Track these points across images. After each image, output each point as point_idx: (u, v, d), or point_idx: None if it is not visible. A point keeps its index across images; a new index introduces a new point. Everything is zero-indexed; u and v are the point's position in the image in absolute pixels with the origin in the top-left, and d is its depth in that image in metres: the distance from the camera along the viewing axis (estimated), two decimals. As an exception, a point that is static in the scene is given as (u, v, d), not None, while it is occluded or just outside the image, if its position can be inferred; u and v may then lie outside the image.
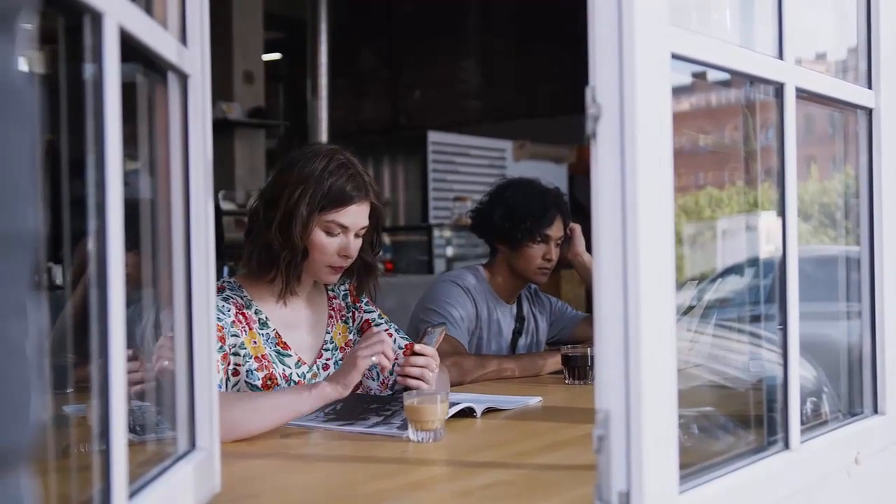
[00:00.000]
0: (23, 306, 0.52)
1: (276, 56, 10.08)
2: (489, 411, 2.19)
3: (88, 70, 1.01)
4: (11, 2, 0.52)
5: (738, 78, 1.59)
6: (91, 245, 1.01)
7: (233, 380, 2.14)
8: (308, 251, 2.22)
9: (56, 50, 1.05)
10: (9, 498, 0.50)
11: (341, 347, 2.38)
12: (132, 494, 1.09)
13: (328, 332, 2.37)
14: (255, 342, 2.20)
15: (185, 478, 1.29)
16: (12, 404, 0.50)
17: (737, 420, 1.69)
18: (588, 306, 5.40)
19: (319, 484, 1.67)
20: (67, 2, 0.95)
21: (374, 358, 2.00)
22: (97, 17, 1.00)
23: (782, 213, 1.53)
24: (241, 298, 2.24)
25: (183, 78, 1.35)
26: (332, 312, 2.40)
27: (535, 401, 2.36)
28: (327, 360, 2.35)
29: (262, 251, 2.22)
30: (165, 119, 1.35)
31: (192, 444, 1.38)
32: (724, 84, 1.69)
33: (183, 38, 1.35)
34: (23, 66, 0.52)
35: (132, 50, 1.11)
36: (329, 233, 2.21)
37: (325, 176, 2.18)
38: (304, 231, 2.18)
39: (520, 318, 3.15)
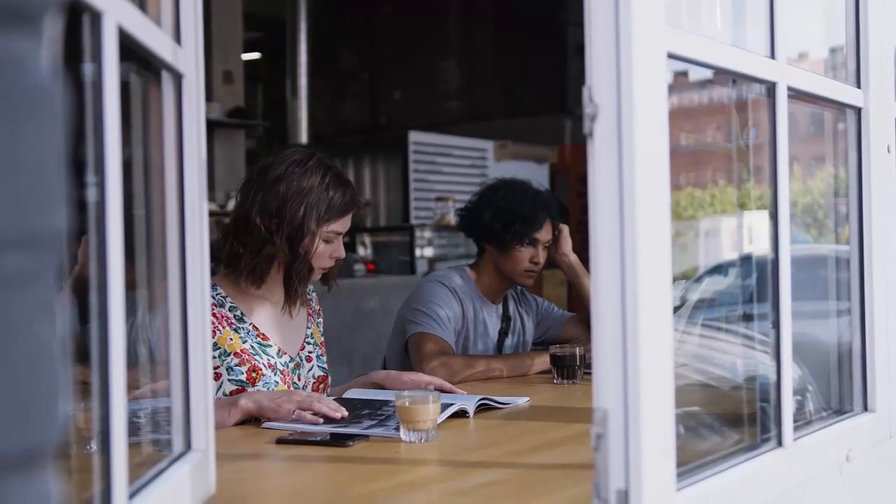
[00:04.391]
0: (51, 306, 0.51)
1: (255, 56, 10.04)
2: (482, 410, 2.19)
3: (87, 69, 1.01)
4: (38, 1, 0.52)
5: (722, 76, 1.59)
6: (91, 246, 1.00)
7: (213, 385, 2.13)
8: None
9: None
10: (39, 497, 0.50)
11: (320, 344, 2.44)
12: (131, 495, 1.08)
13: (308, 328, 2.42)
14: (231, 339, 2.21)
15: (182, 479, 1.29)
16: (42, 405, 0.50)
17: (729, 418, 1.70)
18: (570, 305, 5.40)
19: (313, 485, 1.66)
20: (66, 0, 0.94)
21: (295, 414, 2.01)
22: (96, 17, 0.99)
23: (775, 212, 1.53)
24: (214, 297, 2.24)
25: (178, 78, 1.34)
26: (310, 310, 2.45)
27: (523, 401, 2.36)
28: (309, 352, 2.39)
29: (264, 263, 2.25)
30: (159, 119, 1.34)
31: (188, 446, 1.37)
32: (707, 83, 1.70)
33: (177, 38, 1.34)
34: (49, 64, 0.52)
35: (127, 49, 1.11)
36: (328, 241, 2.28)
37: (327, 190, 2.25)
38: (311, 244, 2.25)
39: (506, 319, 3.15)
